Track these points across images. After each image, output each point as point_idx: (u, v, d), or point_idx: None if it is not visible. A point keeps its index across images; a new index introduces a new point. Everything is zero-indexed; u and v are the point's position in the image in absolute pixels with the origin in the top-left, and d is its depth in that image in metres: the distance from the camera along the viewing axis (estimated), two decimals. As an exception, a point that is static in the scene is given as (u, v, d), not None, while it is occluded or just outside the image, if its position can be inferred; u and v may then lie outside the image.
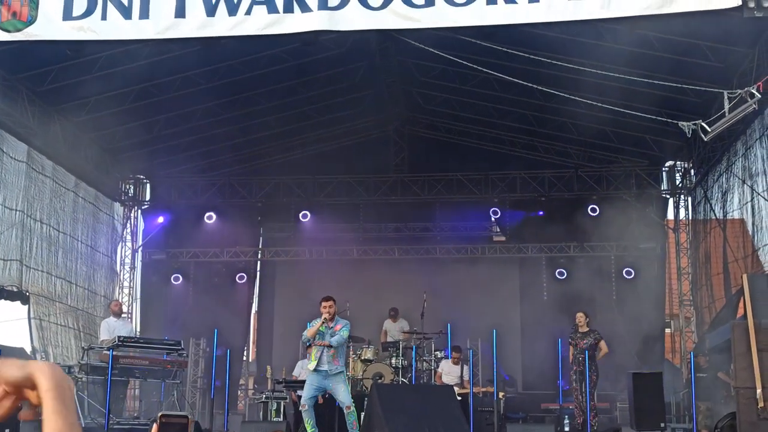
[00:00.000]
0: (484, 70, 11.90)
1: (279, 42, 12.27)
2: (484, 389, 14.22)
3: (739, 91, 10.22)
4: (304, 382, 10.86)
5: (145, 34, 10.08)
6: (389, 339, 15.69)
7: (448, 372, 14.17)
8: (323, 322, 10.20)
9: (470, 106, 17.13)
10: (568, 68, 11.62)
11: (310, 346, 10.39)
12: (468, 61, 11.75)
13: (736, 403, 10.26)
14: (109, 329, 13.04)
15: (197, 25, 9.81)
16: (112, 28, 9.90)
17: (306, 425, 10.24)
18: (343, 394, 10.31)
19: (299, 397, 11.10)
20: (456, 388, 12.52)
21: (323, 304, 10.36)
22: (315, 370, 10.28)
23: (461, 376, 14.11)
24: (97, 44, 10.93)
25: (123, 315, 13.90)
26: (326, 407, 11.65)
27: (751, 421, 9.77)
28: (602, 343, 13.00)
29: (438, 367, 14.50)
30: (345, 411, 10.36)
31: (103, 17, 9.87)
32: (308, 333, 10.32)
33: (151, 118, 16.22)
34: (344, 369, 10.79)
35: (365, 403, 11.40)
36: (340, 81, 16.01)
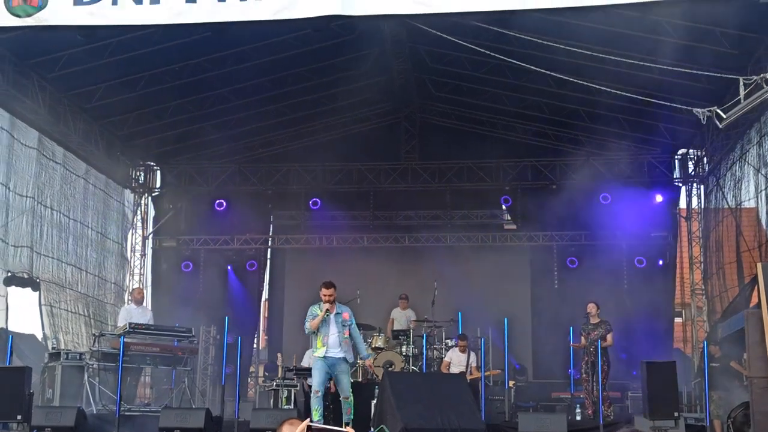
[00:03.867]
0: (496, 56, 11.78)
1: (290, 28, 12.21)
2: (491, 372, 14.19)
3: (755, 77, 10.08)
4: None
5: (156, 19, 10.01)
6: (396, 327, 15.65)
7: (457, 362, 14.12)
8: (326, 312, 10.13)
9: (482, 93, 17.03)
10: (580, 54, 11.49)
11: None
12: (480, 47, 11.64)
13: (749, 392, 10.18)
14: (128, 316, 13.04)
15: (208, 10, 9.74)
16: (123, 13, 9.84)
17: (314, 412, 10.13)
18: (345, 383, 10.27)
19: (310, 386, 11.05)
20: (465, 377, 12.49)
21: (324, 291, 10.19)
22: (325, 356, 10.18)
23: (468, 365, 14.06)
24: (107, 30, 10.86)
25: (144, 303, 13.88)
26: (337, 393, 11.61)
27: (765, 410, 9.70)
28: (609, 336, 12.92)
29: (445, 356, 14.44)
30: (342, 399, 10.32)
31: (114, 2, 9.81)
32: (311, 325, 10.22)
33: (161, 105, 16.19)
34: (353, 359, 10.76)
35: (376, 391, 11.36)
36: (351, 67, 15.92)
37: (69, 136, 15.52)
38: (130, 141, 17.86)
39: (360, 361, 11.75)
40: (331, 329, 10.21)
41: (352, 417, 10.34)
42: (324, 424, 9.93)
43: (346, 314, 10.38)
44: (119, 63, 13.59)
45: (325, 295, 10.22)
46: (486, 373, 13.54)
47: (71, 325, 16.10)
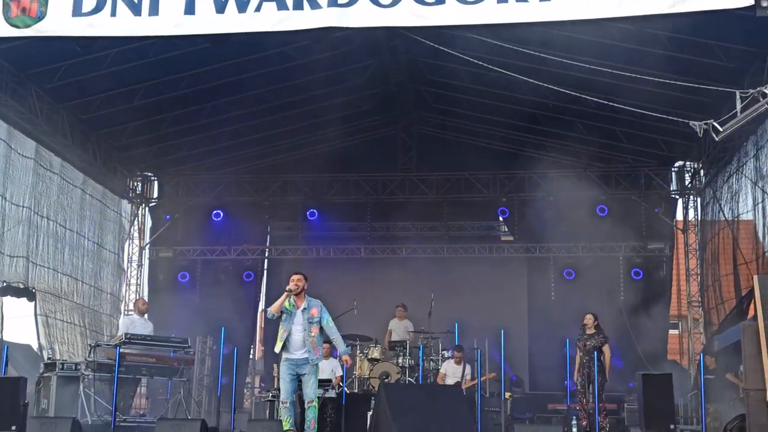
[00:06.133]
0: (493, 68, 11.82)
1: (288, 39, 12.23)
2: (486, 377, 14.16)
3: (751, 90, 10.11)
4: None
5: (155, 30, 10.04)
6: (394, 338, 15.62)
7: (452, 374, 14.11)
8: (288, 294, 9.74)
9: (479, 105, 17.06)
10: (578, 67, 11.54)
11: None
12: (478, 59, 11.68)
13: (745, 405, 10.18)
14: (129, 326, 13.01)
15: (207, 21, 9.77)
16: (122, 24, 9.87)
17: (284, 423, 9.83)
18: (311, 387, 9.78)
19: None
20: (461, 388, 12.48)
21: (292, 277, 9.91)
22: (288, 359, 9.76)
23: (463, 376, 14.06)
24: (106, 41, 10.90)
25: (147, 315, 13.85)
26: (333, 405, 11.59)
27: (761, 423, 9.68)
28: (606, 348, 12.85)
29: (441, 368, 14.43)
30: (306, 405, 9.79)
31: (113, 14, 9.84)
32: (272, 308, 9.88)
33: (159, 116, 16.20)
34: (321, 359, 10.37)
35: (372, 402, 11.35)
36: (349, 79, 15.96)
37: (66, 146, 15.53)
38: (128, 151, 17.88)
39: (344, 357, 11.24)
40: (295, 326, 9.78)
41: (315, 431, 9.98)
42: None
43: (315, 309, 9.90)
44: (117, 74, 13.62)
45: (292, 280, 9.89)
46: (482, 378, 13.54)
47: (67, 335, 16.06)
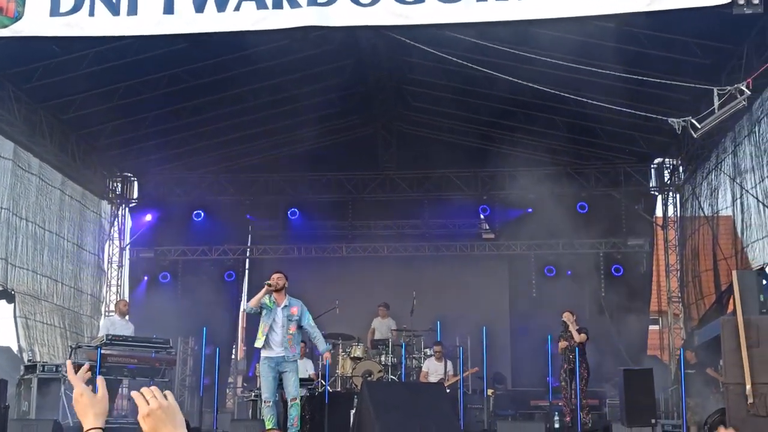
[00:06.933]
0: (474, 66, 11.86)
1: (268, 38, 12.20)
2: (469, 371, 14.20)
3: (729, 87, 10.22)
4: None
5: (133, 30, 10.01)
6: (377, 337, 15.65)
7: (434, 371, 14.15)
8: (267, 289, 9.85)
9: (460, 103, 17.08)
10: (557, 65, 11.60)
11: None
12: (458, 57, 11.72)
13: (725, 399, 10.27)
14: (110, 327, 12.95)
15: (186, 21, 9.75)
16: (100, 24, 9.83)
17: (266, 422, 9.85)
18: (292, 385, 9.91)
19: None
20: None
21: (273, 275, 10.04)
22: (267, 356, 9.89)
23: (445, 373, 14.11)
24: (84, 41, 10.86)
25: (127, 316, 13.79)
26: (316, 404, 11.61)
27: (741, 417, 9.78)
28: (582, 335, 12.90)
29: (423, 366, 14.47)
30: (289, 403, 9.93)
31: (91, 13, 9.80)
32: (251, 302, 9.98)
33: (139, 116, 16.11)
34: (298, 356, 10.47)
35: (355, 400, 11.36)
36: (329, 78, 15.95)
37: (45, 147, 15.42)
38: (107, 152, 17.78)
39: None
40: (276, 324, 9.91)
41: (298, 429, 9.98)
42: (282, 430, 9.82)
43: (295, 308, 10.03)
44: (96, 74, 13.54)
45: (272, 278, 10.00)
46: (465, 373, 13.59)
47: (47, 337, 15.95)
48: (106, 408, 2.37)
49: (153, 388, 2.31)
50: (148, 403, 2.25)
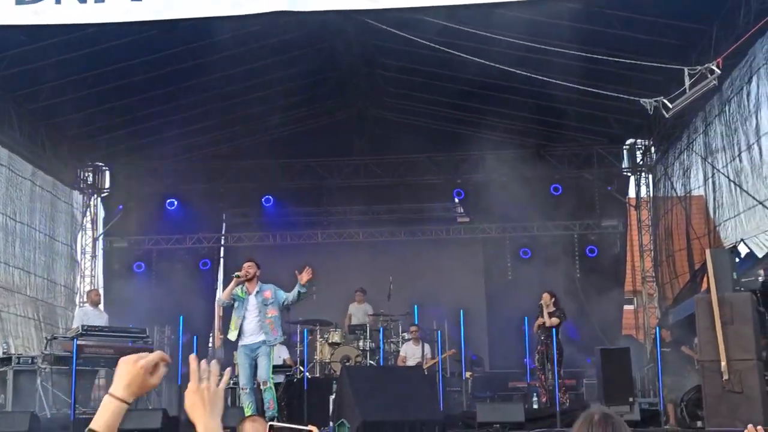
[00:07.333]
0: (445, 50, 11.85)
1: (240, 24, 12.11)
2: (447, 353, 14.25)
3: (699, 67, 10.29)
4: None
5: (101, 17, 9.90)
6: (354, 322, 15.66)
7: (412, 355, 14.20)
8: (237, 280, 9.85)
9: (432, 87, 17.06)
10: (529, 47, 11.62)
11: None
12: (429, 41, 11.70)
13: (700, 376, 10.40)
14: (84, 318, 12.86)
15: (155, 8, 9.66)
16: (67, 12, 9.73)
17: (246, 409, 9.85)
18: (263, 368, 9.85)
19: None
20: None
21: (243, 265, 10.06)
22: (244, 344, 9.86)
23: (423, 356, 14.16)
24: (52, 29, 10.71)
25: (100, 305, 13.69)
26: (295, 390, 11.61)
27: (716, 394, 9.91)
28: (554, 319, 12.96)
29: (401, 350, 14.51)
30: (262, 387, 9.90)
31: (57, 1, 9.68)
32: (223, 296, 10.00)
33: (109, 104, 15.93)
34: (280, 339, 10.41)
35: (334, 386, 11.37)
36: (301, 63, 15.86)
37: (14, 137, 15.24)
38: (78, 141, 17.60)
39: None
40: (249, 312, 9.90)
41: (276, 412, 9.93)
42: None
43: (268, 292, 10.02)
44: (65, 62, 13.37)
45: (243, 267, 9.98)
46: (443, 356, 13.64)
47: (21, 329, 15.82)
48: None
49: (213, 367, 2.21)
50: (200, 381, 2.18)
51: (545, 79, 12.28)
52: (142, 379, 2.23)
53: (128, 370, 2.23)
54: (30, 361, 11.98)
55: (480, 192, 19.05)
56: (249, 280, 10.01)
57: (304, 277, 9.96)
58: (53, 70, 13.66)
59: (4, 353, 12.74)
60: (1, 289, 15.23)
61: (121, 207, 19.27)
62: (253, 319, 9.92)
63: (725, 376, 9.76)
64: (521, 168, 18.39)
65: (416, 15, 10.81)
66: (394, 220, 19.18)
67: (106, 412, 2.12)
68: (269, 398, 9.90)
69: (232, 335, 10.03)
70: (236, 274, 9.96)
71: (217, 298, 19.89)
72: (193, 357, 2.19)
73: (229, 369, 2.92)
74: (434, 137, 18.56)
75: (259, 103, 17.36)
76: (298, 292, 10.00)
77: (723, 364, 9.79)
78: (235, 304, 9.97)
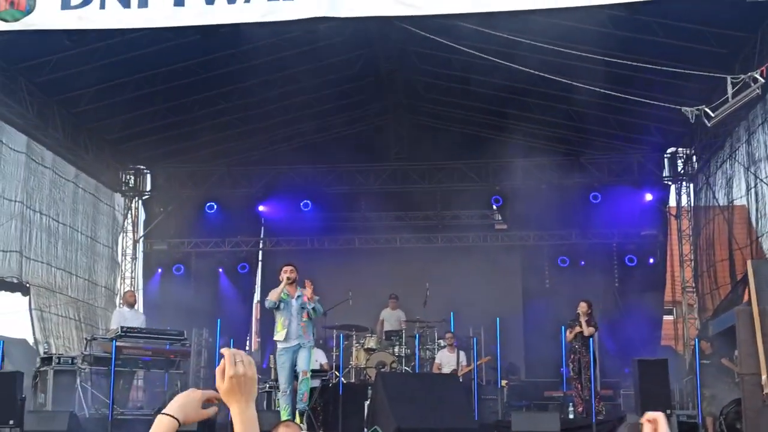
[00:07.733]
0: (485, 56, 11.81)
1: (278, 30, 12.19)
2: (483, 360, 14.17)
3: (743, 76, 10.15)
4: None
5: (144, 22, 10.02)
6: (387, 328, 15.66)
7: (447, 362, 14.16)
8: (286, 282, 10.14)
9: (471, 93, 17.00)
10: (571, 55, 11.53)
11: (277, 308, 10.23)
12: (469, 48, 11.67)
13: (740, 389, 10.24)
14: (121, 319, 13.02)
15: (196, 13, 9.75)
16: (111, 17, 9.84)
17: (282, 412, 9.99)
18: (304, 359, 10.13)
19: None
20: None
21: (284, 268, 10.28)
22: (287, 347, 10.11)
23: (458, 363, 14.11)
24: (96, 33, 10.86)
25: (136, 306, 13.87)
26: (330, 395, 11.63)
27: (756, 407, 9.75)
28: (591, 328, 12.90)
29: (435, 358, 14.47)
30: (300, 376, 10.13)
31: (102, 6, 9.81)
32: (271, 296, 10.20)
33: (151, 108, 16.14)
34: (313, 343, 10.62)
35: (369, 391, 11.37)
36: (340, 69, 15.90)
37: (58, 140, 15.48)
38: (120, 144, 17.82)
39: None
40: (292, 314, 10.17)
41: (307, 406, 10.12)
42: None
43: (304, 297, 10.31)
44: (108, 66, 13.55)
45: (285, 271, 10.23)
46: (479, 362, 13.58)
47: (62, 329, 16.05)
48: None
49: (243, 354, 2.33)
50: (236, 366, 2.28)
51: (585, 86, 12.18)
52: (197, 405, 2.42)
53: (187, 394, 2.44)
54: (70, 361, 12.14)
55: (518, 199, 18.94)
56: (290, 284, 10.21)
57: (308, 294, 10.30)
58: (96, 74, 13.85)
59: (45, 353, 12.93)
60: (43, 289, 15.46)
61: (161, 210, 19.48)
62: (295, 321, 10.12)
63: (766, 390, 9.60)
64: (560, 176, 18.30)
65: (454, 21, 10.77)
66: (431, 227, 19.15)
67: (161, 425, 2.32)
68: (304, 390, 10.09)
69: (279, 335, 10.22)
70: (288, 276, 10.15)
71: (256, 301, 20.11)
72: (225, 348, 2.31)
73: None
74: (472, 144, 18.51)
75: (298, 109, 17.45)
76: (314, 308, 10.27)
77: (764, 377, 9.62)
78: (281, 306, 10.18)
